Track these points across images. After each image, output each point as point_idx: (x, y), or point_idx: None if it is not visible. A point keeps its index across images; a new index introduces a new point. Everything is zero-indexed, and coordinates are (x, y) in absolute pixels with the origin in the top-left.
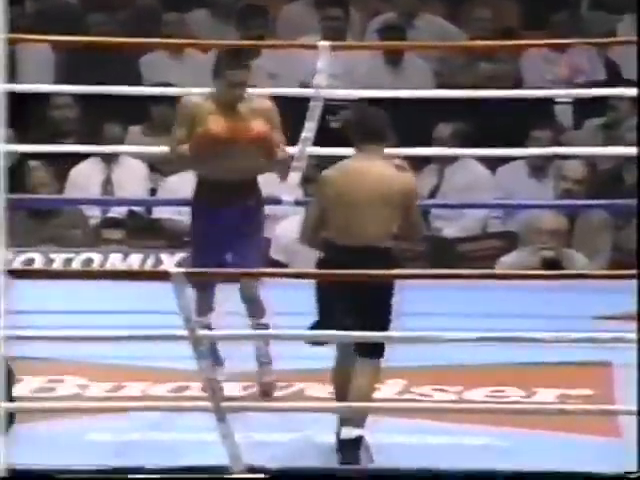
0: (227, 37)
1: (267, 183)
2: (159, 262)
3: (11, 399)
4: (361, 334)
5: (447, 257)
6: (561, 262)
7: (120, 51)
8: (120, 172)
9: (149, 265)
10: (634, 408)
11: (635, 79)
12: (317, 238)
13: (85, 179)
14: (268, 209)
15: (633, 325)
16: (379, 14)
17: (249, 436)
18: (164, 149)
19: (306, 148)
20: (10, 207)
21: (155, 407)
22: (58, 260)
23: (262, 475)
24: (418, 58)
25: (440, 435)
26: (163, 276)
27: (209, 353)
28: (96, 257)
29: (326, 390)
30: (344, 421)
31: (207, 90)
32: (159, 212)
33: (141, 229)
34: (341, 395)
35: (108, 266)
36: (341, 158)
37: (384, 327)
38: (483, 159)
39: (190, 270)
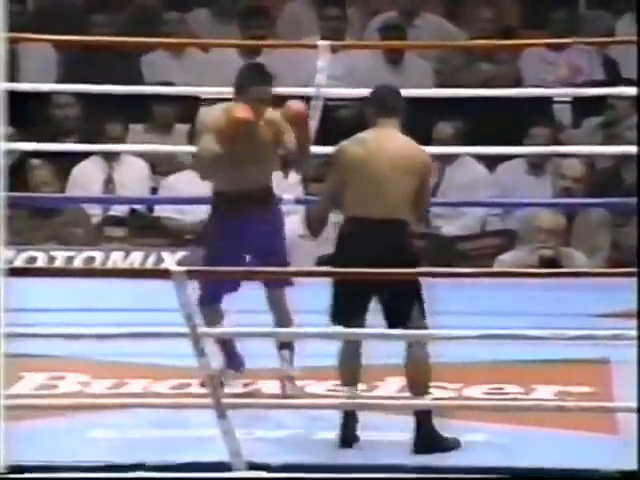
0: (228, 36)
1: None
2: (160, 260)
3: None
4: (362, 332)
5: (446, 255)
6: (560, 260)
7: (121, 50)
8: (121, 171)
9: (150, 263)
10: (633, 405)
11: (634, 78)
12: (329, 213)
13: (87, 178)
14: None
15: (631, 322)
16: (379, 13)
17: (250, 432)
18: (198, 156)
19: None
20: (12, 205)
21: (156, 404)
22: (60, 258)
23: (263, 471)
24: (418, 57)
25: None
26: (164, 274)
27: (231, 355)
28: (98, 255)
29: (326, 387)
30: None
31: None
32: (160, 210)
33: (142, 227)
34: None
35: (110, 264)
36: None
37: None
38: (482, 157)
39: (193, 268)
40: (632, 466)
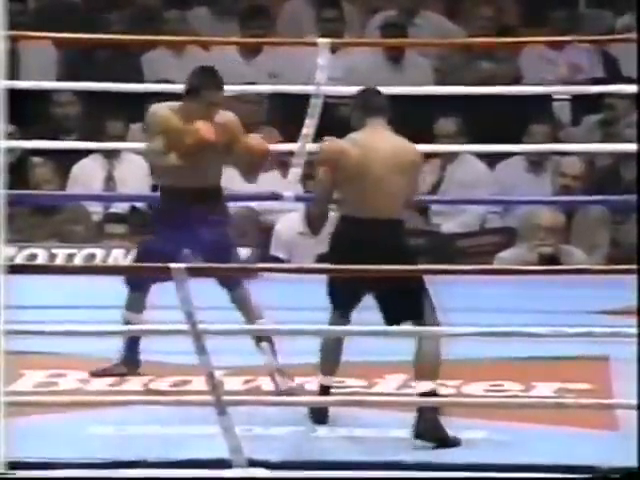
0: (228, 34)
1: (267, 180)
2: None
3: None
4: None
5: (446, 252)
6: (559, 258)
7: (122, 48)
8: (122, 168)
9: None
10: (632, 402)
11: (633, 76)
12: (328, 209)
13: (87, 175)
14: (269, 205)
15: (630, 320)
16: (379, 11)
17: (250, 429)
18: (148, 157)
19: (306, 145)
20: (13, 203)
21: (156, 401)
22: (61, 256)
23: (263, 468)
24: (419, 56)
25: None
26: (164, 271)
27: (132, 352)
28: (98, 252)
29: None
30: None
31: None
32: None
33: (143, 225)
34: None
35: (110, 261)
36: None
37: (418, 292)
38: (482, 155)
39: (194, 265)
40: (632, 463)
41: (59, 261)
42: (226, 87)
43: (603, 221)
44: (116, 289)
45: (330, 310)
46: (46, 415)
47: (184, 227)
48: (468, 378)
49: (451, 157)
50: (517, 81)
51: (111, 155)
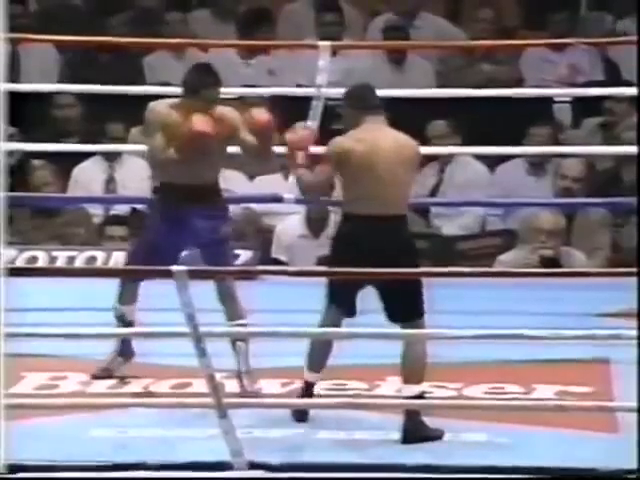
0: (229, 37)
1: (268, 182)
2: None
3: None
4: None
5: (446, 255)
6: (560, 260)
7: (123, 51)
8: (123, 171)
9: None
10: (632, 404)
11: (634, 79)
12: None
13: (88, 178)
14: (270, 207)
15: (631, 322)
16: (379, 14)
17: (250, 432)
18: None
19: None
20: (13, 205)
21: (157, 404)
22: (61, 258)
23: (263, 471)
24: (421, 58)
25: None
26: (165, 274)
27: (125, 342)
28: (99, 255)
29: (326, 386)
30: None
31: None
32: None
33: (144, 227)
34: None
35: (111, 264)
36: None
37: (416, 289)
38: (482, 157)
39: (195, 268)
40: (632, 465)
41: (60, 263)
42: (226, 89)
43: (604, 224)
44: (117, 291)
45: (326, 304)
46: (47, 418)
47: (180, 222)
48: (469, 380)
49: (450, 159)
50: (518, 83)
51: (112, 157)
